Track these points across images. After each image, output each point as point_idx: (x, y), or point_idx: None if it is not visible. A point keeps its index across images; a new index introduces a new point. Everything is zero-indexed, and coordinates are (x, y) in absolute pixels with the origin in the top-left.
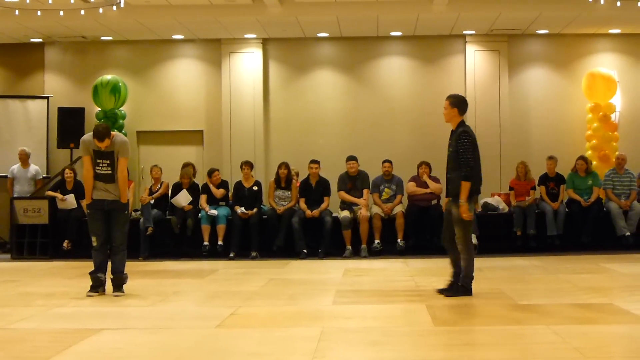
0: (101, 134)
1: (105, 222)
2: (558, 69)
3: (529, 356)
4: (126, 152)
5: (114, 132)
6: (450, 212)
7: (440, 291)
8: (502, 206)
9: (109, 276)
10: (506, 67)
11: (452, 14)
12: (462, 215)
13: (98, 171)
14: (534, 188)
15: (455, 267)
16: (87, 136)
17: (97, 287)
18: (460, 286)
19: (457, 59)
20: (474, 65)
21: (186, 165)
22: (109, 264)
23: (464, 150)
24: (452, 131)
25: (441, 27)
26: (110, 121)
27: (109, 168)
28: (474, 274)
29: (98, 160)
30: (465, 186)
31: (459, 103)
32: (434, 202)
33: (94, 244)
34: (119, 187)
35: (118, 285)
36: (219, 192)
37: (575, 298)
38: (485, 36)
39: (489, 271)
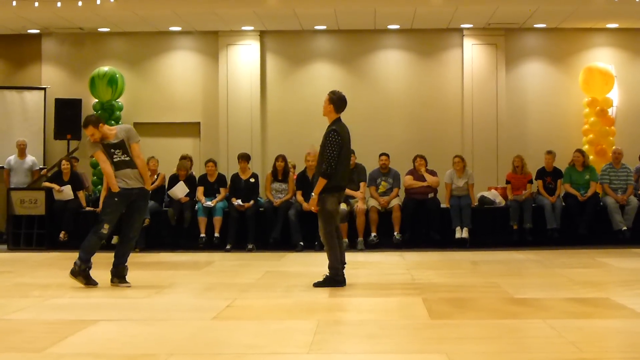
0: (85, 120)
1: (121, 213)
2: (555, 63)
3: (524, 350)
4: (135, 136)
5: (113, 126)
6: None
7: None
8: (499, 200)
9: (99, 267)
10: (503, 61)
11: (449, 7)
12: (311, 208)
13: (116, 160)
14: (530, 182)
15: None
16: None
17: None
18: (329, 277)
19: (454, 52)
20: (472, 59)
21: (184, 157)
22: (111, 255)
23: (330, 148)
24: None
25: (438, 20)
26: (107, 113)
27: (125, 155)
28: (338, 265)
29: (112, 151)
30: (321, 182)
31: (336, 100)
32: (430, 195)
33: (104, 232)
34: (140, 173)
35: (123, 276)
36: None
37: (571, 292)
38: (482, 30)
39: (485, 265)
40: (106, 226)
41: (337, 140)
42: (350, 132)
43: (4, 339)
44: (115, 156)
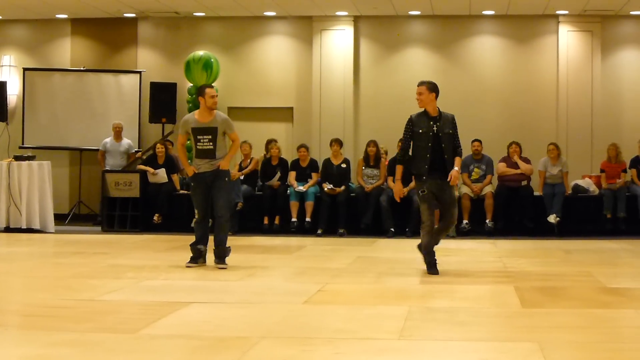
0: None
1: (206, 195)
2: None
3: (616, 340)
4: (232, 127)
5: (215, 110)
6: (447, 194)
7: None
8: (593, 188)
9: (210, 248)
10: (599, 48)
11: None
12: (456, 181)
13: (200, 147)
14: (625, 171)
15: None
16: (187, 115)
17: (196, 258)
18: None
19: (549, 39)
20: (567, 45)
21: (270, 141)
22: (212, 237)
23: (457, 135)
24: (435, 116)
25: (534, 6)
26: None
27: (210, 143)
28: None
29: (199, 137)
30: (460, 160)
31: (436, 88)
32: (524, 183)
33: (196, 216)
34: (220, 158)
35: (221, 257)
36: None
37: None
38: (578, 16)
39: (577, 254)
40: (195, 211)
41: None
42: None
43: (98, 319)
44: (200, 143)
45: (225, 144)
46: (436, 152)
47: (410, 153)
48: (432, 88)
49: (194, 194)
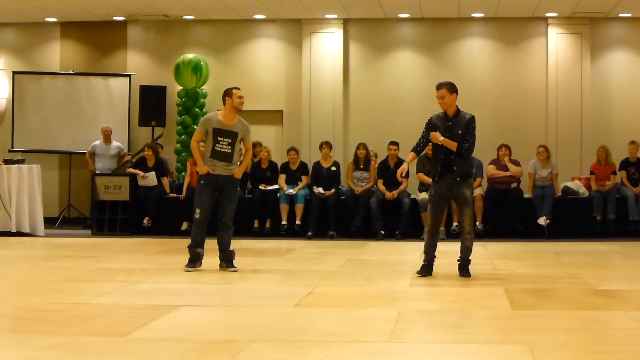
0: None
1: (212, 197)
2: None
3: (606, 342)
4: (250, 137)
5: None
6: (455, 193)
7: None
8: (582, 190)
9: (209, 252)
10: (588, 50)
11: None
12: (438, 140)
13: (218, 149)
14: (614, 173)
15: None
16: (211, 114)
17: (195, 261)
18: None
19: (538, 41)
20: (556, 48)
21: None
22: (213, 241)
23: (472, 134)
24: (450, 117)
25: (523, 8)
26: (192, 100)
27: (229, 147)
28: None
29: (219, 138)
30: (454, 144)
31: (455, 87)
32: (513, 185)
33: (197, 216)
34: (235, 165)
35: (230, 261)
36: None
37: None
38: (567, 19)
39: (567, 256)
40: (197, 210)
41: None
42: None
43: (87, 322)
44: (218, 144)
45: (237, 149)
46: (447, 153)
47: (424, 150)
48: (452, 88)
49: (200, 193)
